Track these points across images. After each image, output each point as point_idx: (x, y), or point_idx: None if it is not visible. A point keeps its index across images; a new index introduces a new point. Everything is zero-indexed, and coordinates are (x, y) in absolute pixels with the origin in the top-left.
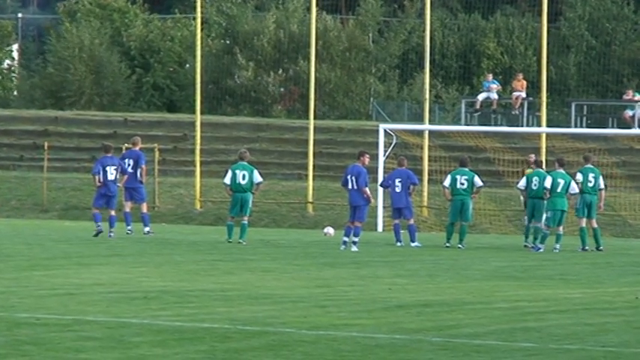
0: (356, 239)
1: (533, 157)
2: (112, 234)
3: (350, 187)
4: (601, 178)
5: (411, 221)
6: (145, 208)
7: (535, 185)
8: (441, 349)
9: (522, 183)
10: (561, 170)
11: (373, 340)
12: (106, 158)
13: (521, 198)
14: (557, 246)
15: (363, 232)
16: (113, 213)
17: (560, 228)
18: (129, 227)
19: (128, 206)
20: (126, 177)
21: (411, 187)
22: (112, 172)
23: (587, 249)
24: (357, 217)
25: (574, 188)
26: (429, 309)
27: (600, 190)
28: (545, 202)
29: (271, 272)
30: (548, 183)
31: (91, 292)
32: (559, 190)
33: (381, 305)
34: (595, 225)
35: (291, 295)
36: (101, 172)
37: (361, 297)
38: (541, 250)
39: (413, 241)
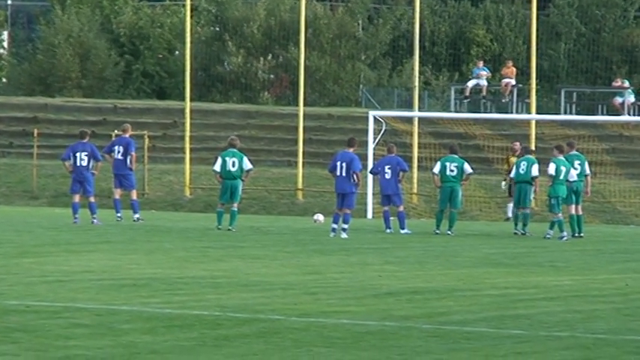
0: (346, 226)
1: (517, 144)
2: (94, 220)
3: (338, 173)
4: (587, 163)
5: (401, 208)
6: (134, 195)
7: (523, 170)
8: (430, 336)
9: (513, 171)
10: (561, 157)
11: (363, 327)
12: (79, 144)
13: (503, 184)
14: (564, 234)
15: (352, 219)
16: (92, 199)
17: (560, 215)
18: (118, 214)
19: (117, 193)
20: (100, 164)
21: (401, 173)
22: (82, 158)
23: (582, 235)
24: (346, 204)
25: (572, 175)
26: (418, 296)
27: (586, 176)
28: (549, 188)
29: (261, 259)
30: (552, 169)
31: (81, 279)
32: (561, 177)
33: (370, 292)
34: (580, 212)
35: (281, 283)
36: (72, 158)
37: (351, 284)
38: (565, 238)
39: (402, 228)
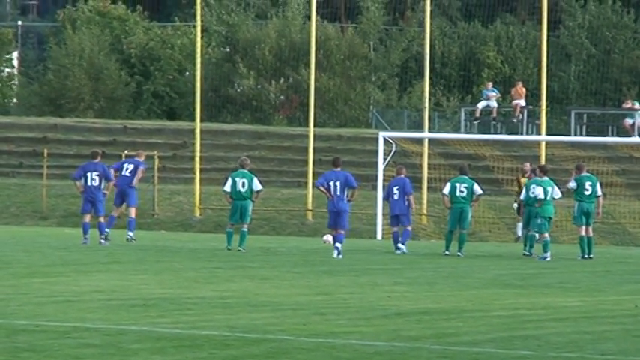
0: (339, 245)
1: (528, 165)
2: (102, 240)
3: (332, 192)
4: (598, 185)
5: (408, 228)
6: (133, 213)
7: (532, 193)
8: (439, 357)
9: (523, 193)
10: (545, 178)
11: (372, 347)
12: (90, 164)
13: (515, 205)
14: (547, 255)
15: (362, 239)
16: (102, 220)
17: (547, 235)
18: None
19: (117, 211)
20: (111, 184)
21: (405, 197)
22: (93, 178)
23: (592, 257)
24: (340, 225)
25: (557, 193)
26: (427, 316)
27: (598, 197)
28: (537, 210)
29: (270, 280)
30: (540, 192)
31: (90, 299)
32: (548, 197)
33: (380, 313)
34: (590, 233)
35: (290, 303)
36: (83, 178)
37: (360, 304)
38: (547, 259)
39: (402, 243)
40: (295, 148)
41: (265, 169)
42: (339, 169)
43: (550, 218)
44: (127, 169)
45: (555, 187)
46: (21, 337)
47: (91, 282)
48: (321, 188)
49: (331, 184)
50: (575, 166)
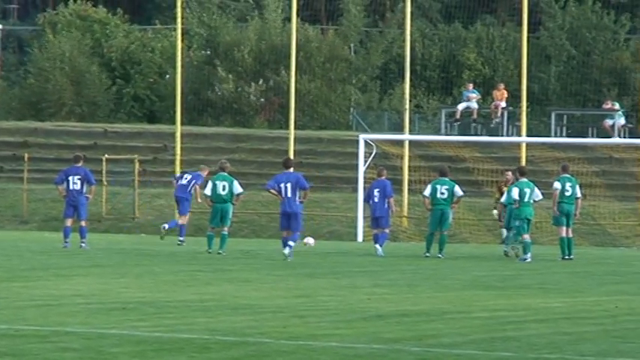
0: (292, 244)
1: (509, 174)
2: (83, 244)
3: (284, 194)
4: (578, 186)
5: (386, 230)
6: (183, 220)
7: (510, 194)
8: (420, 359)
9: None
10: (524, 179)
11: (352, 350)
12: (72, 168)
13: (494, 212)
14: (528, 256)
15: (342, 241)
16: (83, 224)
17: (527, 236)
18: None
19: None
20: (93, 188)
21: (385, 199)
22: (75, 182)
23: (572, 258)
24: (294, 226)
25: (538, 195)
26: (408, 319)
27: (577, 198)
28: (514, 211)
29: (251, 283)
30: (515, 194)
31: (70, 303)
32: (526, 199)
33: (360, 315)
34: (571, 234)
35: (271, 306)
36: (65, 182)
37: (340, 307)
38: (528, 260)
39: (380, 245)
40: (276, 150)
41: (246, 172)
42: (290, 170)
43: (529, 220)
44: (186, 178)
45: (536, 189)
46: (0, 341)
47: (71, 286)
48: (271, 191)
49: (282, 185)
50: (561, 167)
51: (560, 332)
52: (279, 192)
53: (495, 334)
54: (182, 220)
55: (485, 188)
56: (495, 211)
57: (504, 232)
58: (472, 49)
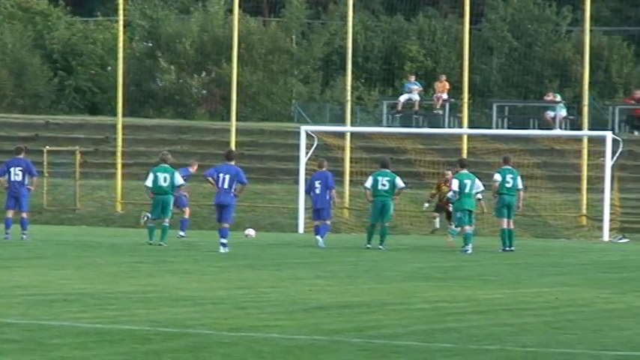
0: (224, 240)
1: (450, 173)
2: (24, 236)
3: (220, 185)
4: (519, 178)
5: (328, 222)
6: (186, 213)
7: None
8: (360, 350)
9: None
10: (465, 171)
11: (293, 341)
12: (14, 160)
13: (426, 205)
14: (468, 247)
15: (283, 233)
16: (25, 215)
17: (468, 227)
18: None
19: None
20: (35, 179)
21: (327, 191)
22: (17, 174)
23: (513, 249)
24: (225, 217)
25: (479, 186)
26: (348, 310)
27: (519, 190)
28: (455, 203)
29: (192, 274)
30: (455, 185)
31: (11, 294)
32: (467, 190)
33: (301, 306)
34: (512, 226)
35: (212, 297)
36: (6, 174)
37: (281, 298)
38: (469, 251)
39: (321, 237)
40: (217, 142)
41: (187, 164)
42: (232, 162)
43: (470, 211)
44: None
45: (477, 180)
46: None
47: (12, 277)
48: (210, 179)
49: (221, 176)
50: (502, 158)
51: (500, 323)
52: (217, 182)
53: (436, 325)
54: (185, 215)
55: (426, 180)
56: (427, 204)
57: (437, 221)
58: (414, 41)
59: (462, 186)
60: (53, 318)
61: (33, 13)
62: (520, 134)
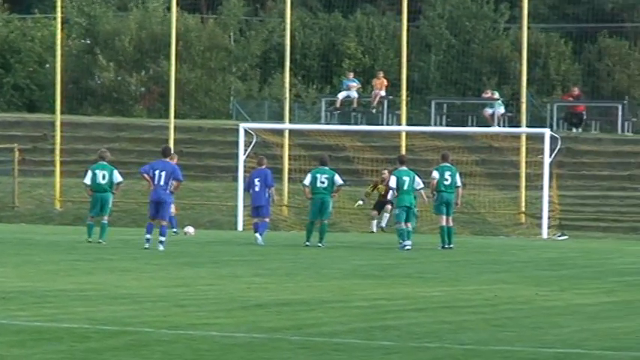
0: (163, 238)
1: (386, 172)
2: None
3: (156, 182)
4: (458, 175)
5: (267, 219)
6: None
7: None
8: (299, 348)
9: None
10: (404, 168)
11: (232, 339)
12: None
13: (360, 202)
14: (407, 243)
15: (222, 230)
16: None
17: (409, 224)
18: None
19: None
20: None
21: (266, 188)
22: None
23: (452, 247)
24: (161, 214)
25: (419, 183)
26: (287, 308)
27: (457, 187)
28: (394, 200)
29: (131, 272)
30: (393, 182)
31: None
32: (405, 187)
33: (239, 304)
34: (451, 223)
35: (151, 295)
36: None
37: (220, 296)
38: (408, 248)
39: (260, 234)
40: (156, 139)
41: (126, 161)
42: (167, 159)
43: (408, 207)
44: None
45: (417, 177)
46: None
47: None
48: (145, 175)
49: (156, 172)
50: (440, 155)
51: (440, 321)
52: (152, 178)
53: (375, 323)
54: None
55: (365, 177)
56: (361, 202)
57: (374, 223)
58: (352, 38)
59: (400, 183)
60: None
61: None
62: (458, 131)
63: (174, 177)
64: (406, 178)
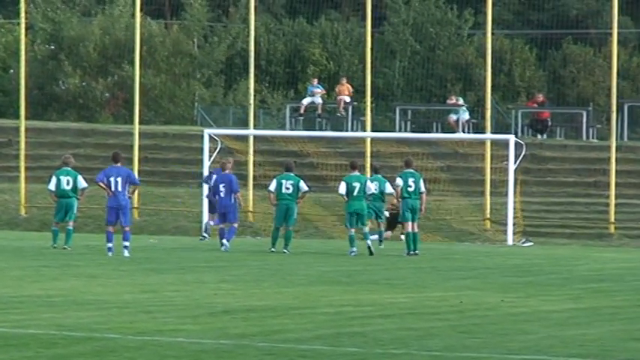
0: (127, 243)
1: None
2: None
3: (113, 188)
4: (422, 181)
5: (235, 225)
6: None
7: (376, 189)
8: (266, 354)
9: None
10: (355, 173)
11: (199, 345)
12: None
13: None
14: (354, 249)
15: (188, 237)
16: None
17: (366, 228)
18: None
19: None
20: None
21: (232, 194)
22: None
23: (418, 253)
24: (123, 221)
25: (369, 188)
26: (254, 314)
27: (422, 193)
28: (345, 204)
29: (97, 278)
30: (342, 188)
31: None
32: (355, 193)
33: (206, 310)
34: (416, 229)
35: (117, 301)
36: None
37: (187, 302)
38: (354, 254)
39: (227, 240)
40: (121, 145)
41: (91, 167)
42: (119, 164)
43: (358, 214)
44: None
45: (368, 182)
46: None
47: None
48: (101, 184)
49: (112, 179)
50: (404, 161)
51: (406, 327)
52: (109, 186)
53: (341, 329)
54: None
55: (330, 183)
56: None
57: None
58: (317, 44)
59: (350, 188)
60: None
61: None
62: (423, 137)
63: (130, 181)
64: (356, 184)
